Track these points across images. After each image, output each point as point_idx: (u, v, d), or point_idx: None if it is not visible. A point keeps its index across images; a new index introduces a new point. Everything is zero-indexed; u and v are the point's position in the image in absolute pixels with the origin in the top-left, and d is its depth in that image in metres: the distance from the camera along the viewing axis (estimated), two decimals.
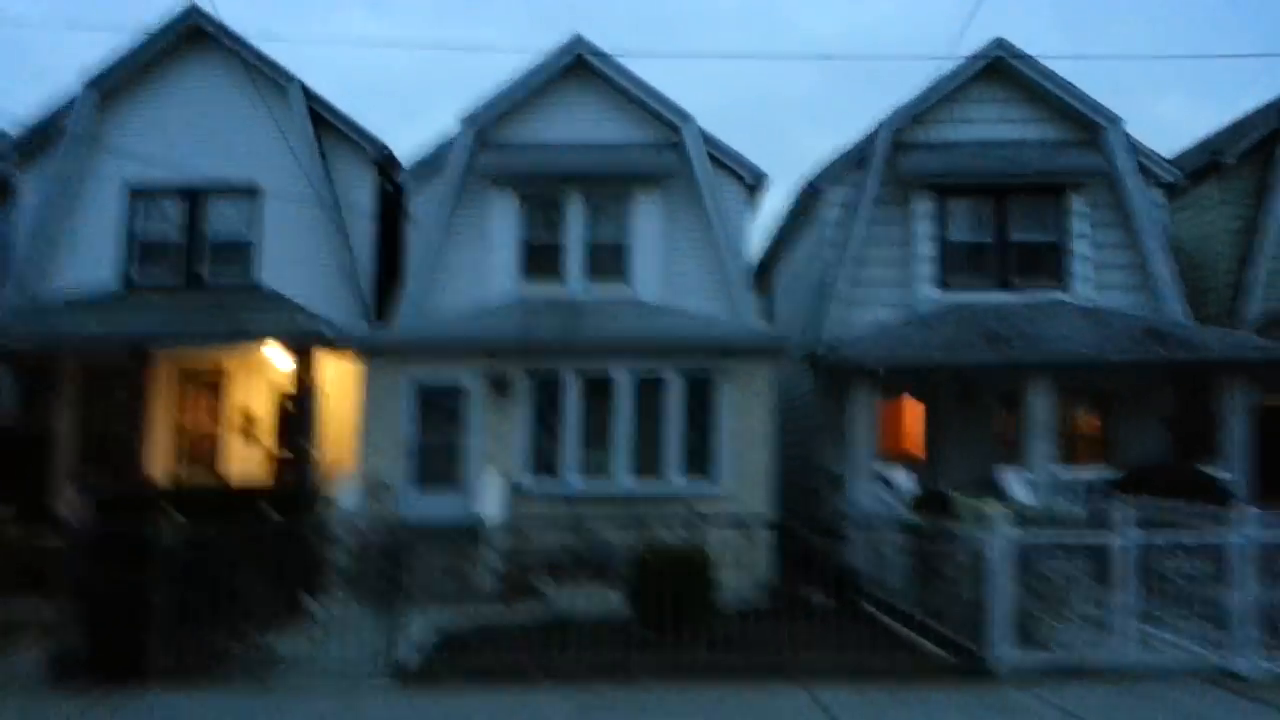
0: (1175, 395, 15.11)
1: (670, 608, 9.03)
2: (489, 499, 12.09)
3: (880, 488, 13.40)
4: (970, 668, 8.42)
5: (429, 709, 7.49)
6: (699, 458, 13.48)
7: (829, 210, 15.93)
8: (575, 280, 15.51)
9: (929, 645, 9.31)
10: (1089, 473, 13.79)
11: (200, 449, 15.99)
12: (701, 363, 13.55)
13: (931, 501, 11.08)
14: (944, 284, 15.53)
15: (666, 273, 15.61)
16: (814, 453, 16.25)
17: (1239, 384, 13.42)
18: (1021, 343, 13.67)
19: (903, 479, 13.35)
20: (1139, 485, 10.48)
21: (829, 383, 14.94)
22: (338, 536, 11.63)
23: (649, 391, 13.50)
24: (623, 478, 13.25)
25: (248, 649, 8.84)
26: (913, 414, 16.26)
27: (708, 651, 8.62)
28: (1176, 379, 14.68)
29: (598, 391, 13.49)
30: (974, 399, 15.47)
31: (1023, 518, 8.59)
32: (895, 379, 14.82)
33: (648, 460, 13.39)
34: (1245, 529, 8.42)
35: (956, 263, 15.67)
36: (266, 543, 9.07)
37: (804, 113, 70.31)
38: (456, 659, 8.67)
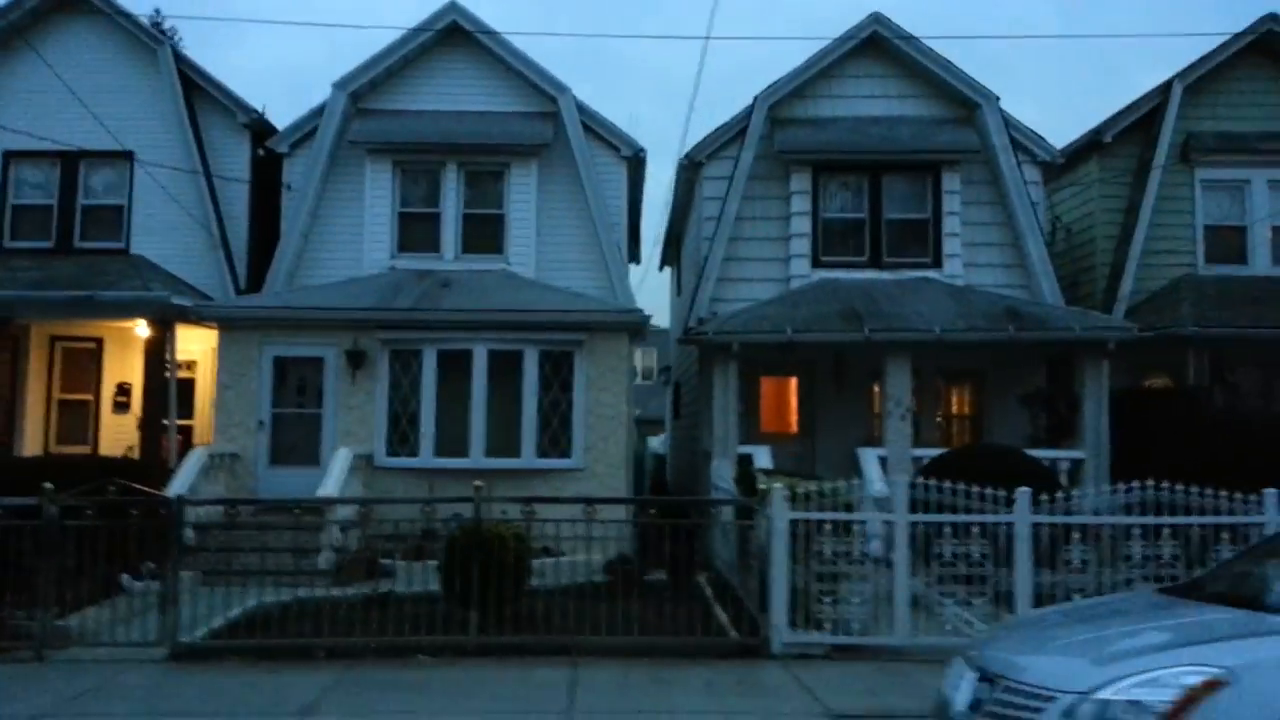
0: (1047, 376, 15.28)
1: (480, 587, 9.09)
2: (332, 475, 12.08)
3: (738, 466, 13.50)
4: (750, 647, 8.56)
5: (182, 682, 7.57)
6: (557, 434, 13.53)
7: (708, 185, 15.91)
8: (450, 252, 15.43)
9: (730, 624, 9.45)
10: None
11: (72, 420, 15.88)
12: (560, 338, 13.56)
13: (743, 480, 11.20)
14: (818, 261, 15.58)
15: (542, 246, 15.55)
16: (699, 431, 16.39)
17: (1096, 364, 13.59)
18: (878, 321, 13.76)
19: (764, 457, 13.44)
20: (952, 467, 10.58)
21: (707, 361, 15.01)
22: (176, 512, 11.59)
23: (508, 366, 13.51)
24: (479, 453, 13.28)
25: (42, 626, 8.83)
26: (791, 392, 16.41)
27: (504, 631, 8.68)
28: (1047, 360, 14.85)
29: (457, 366, 13.47)
30: (848, 377, 15.59)
31: (807, 497, 8.69)
32: (770, 357, 14.92)
33: (506, 436, 13.43)
34: (1020, 511, 8.58)
35: (831, 240, 15.71)
36: (89, 517, 9.00)
37: None
38: (244, 637, 8.70)
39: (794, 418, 16.17)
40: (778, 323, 13.76)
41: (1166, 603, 4.67)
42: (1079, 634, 4.31)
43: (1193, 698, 3.44)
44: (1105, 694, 3.58)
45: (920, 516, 8.65)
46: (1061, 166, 17.27)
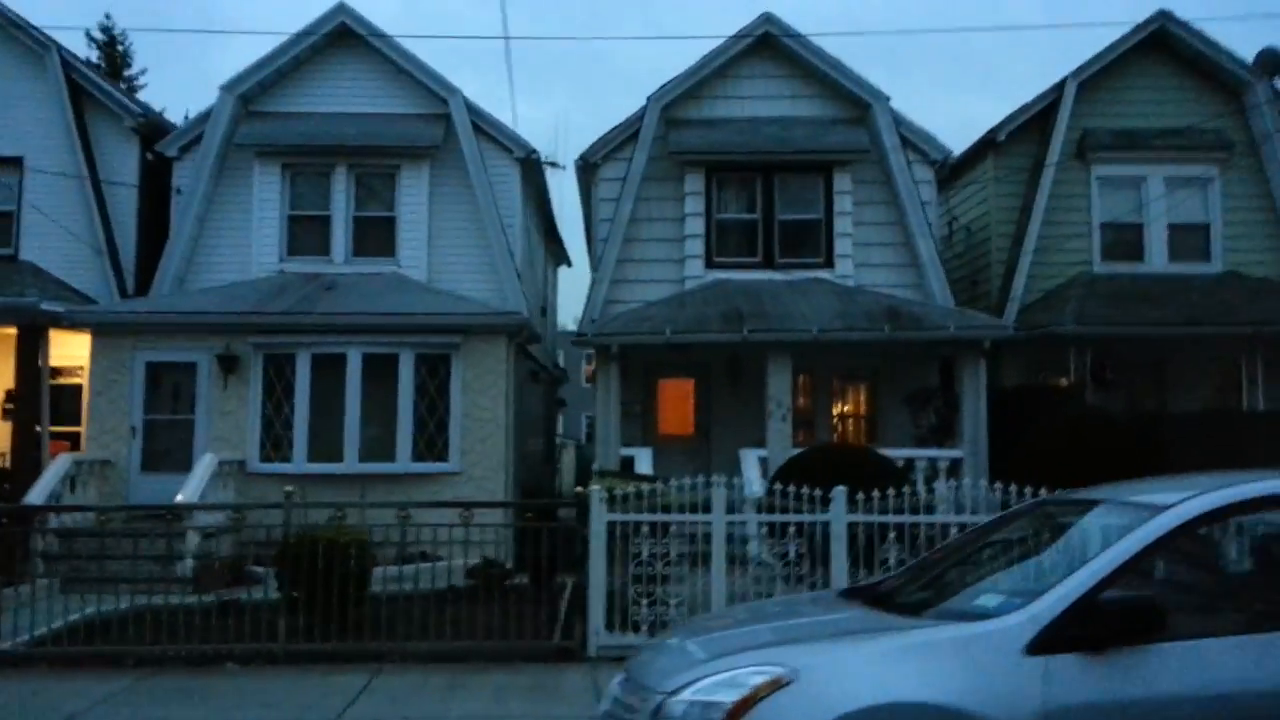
0: (940, 376, 15.27)
1: (310, 592, 8.97)
2: (192, 482, 11.94)
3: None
4: (568, 650, 8.49)
5: None
6: (434, 438, 13.43)
7: (603, 187, 15.85)
8: (340, 255, 15.32)
9: (562, 627, 9.37)
10: None
11: None
12: (436, 341, 13.47)
13: (581, 480, 11.13)
14: (712, 262, 15.53)
15: (435, 249, 15.45)
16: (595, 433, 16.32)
17: (974, 364, 13.59)
18: (760, 321, 13.72)
19: (646, 459, 13.38)
20: (801, 469, 10.54)
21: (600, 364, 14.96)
22: (39, 519, 11.45)
23: (384, 370, 13.40)
24: (353, 458, 13.17)
25: None
26: (689, 394, 16.35)
27: (346, 637, 8.57)
28: (940, 360, 14.83)
29: (332, 370, 13.36)
30: (742, 378, 15.53)
31: (625, 499, 8.62)
32: (666, 359, 14.90)
33: (382, 440, 13.32)
34: (836, 510, 8.53)
35: (725, 240, 15.68)
36: None
37: None
38: (61, 646, 8.57)
39: (691, 419, 16.10)
40: (658, 324, 13.70)
41: (828, 602, 4.61)
42: (718, 633, 4.25)
43: (755, 697, 3.38)
44: (686, 694, 3.52)
45: (735, 516, 8.59)
46: (961, 166, 17.35)
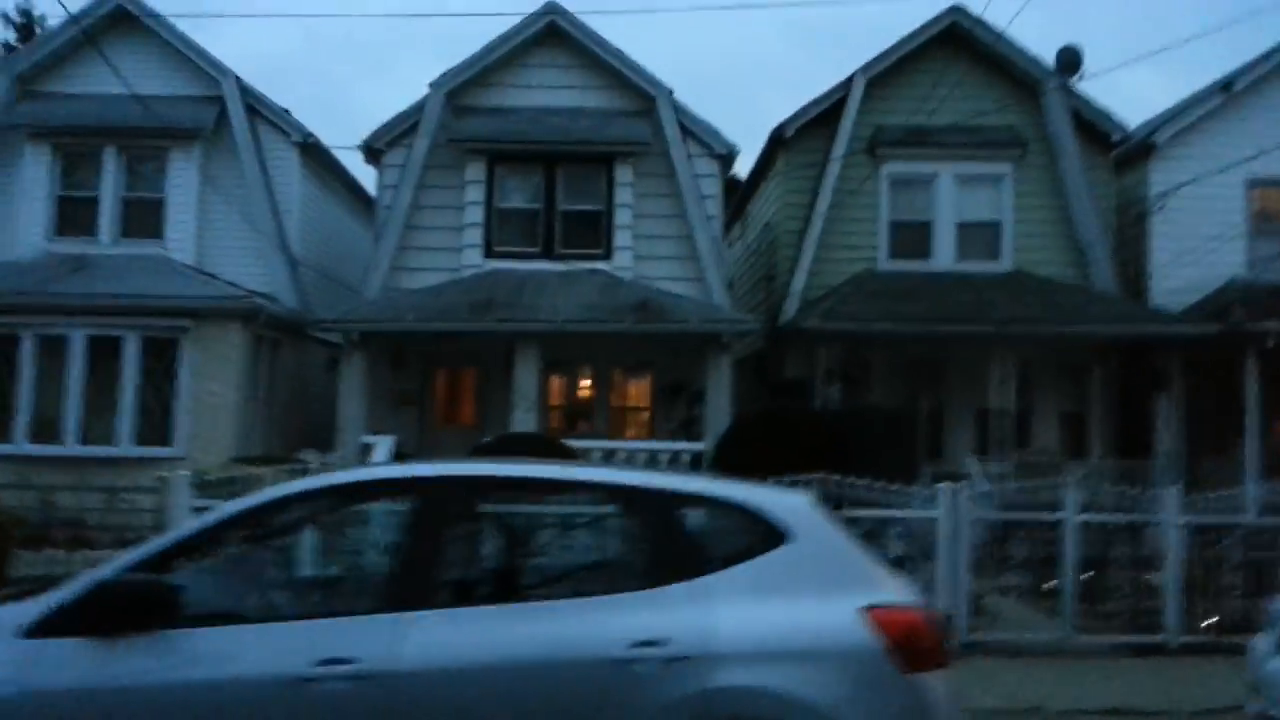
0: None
1: None
2: None
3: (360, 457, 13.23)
4: None
5: None
6: (159, 422, 13.22)
7: (387, 174, 15.65)
8: (107, 236, 15.08)
9: None
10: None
11: None
12: (165, 324, 13.26)
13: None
14: (491, 251, 15.36)
15: (205, 233, 15.24)
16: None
17: (718, 358, 13.47)
18: (509, 311, 13.55)
19: (385, 447, 13.17)
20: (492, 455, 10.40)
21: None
22: None
23: (111, 353, 13.18)
24: (74, 441, 12.93)
25: None
26: (468, 383, 16.19)
27: None
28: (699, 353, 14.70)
29: (57, 352, 13.13)
30: (512, 369, 15.36)
31: (216, 484, 8.43)
32: (443, 349, 14.74)
33: (105, 424, 13.09)
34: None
35: (507, 230, 15.51)
36: None
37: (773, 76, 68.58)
38: None
39: (472, 409, 15.93)
40: (402, 312, 13.52)
41: None
42: None
43: None
44: None
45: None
46: (762, 161, 17.26)
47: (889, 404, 13.85)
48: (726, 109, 64.82)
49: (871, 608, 3.49)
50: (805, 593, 3.53)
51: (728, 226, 21.54)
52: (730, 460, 10.66)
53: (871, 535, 8.41)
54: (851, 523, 8.35)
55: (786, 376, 15.24)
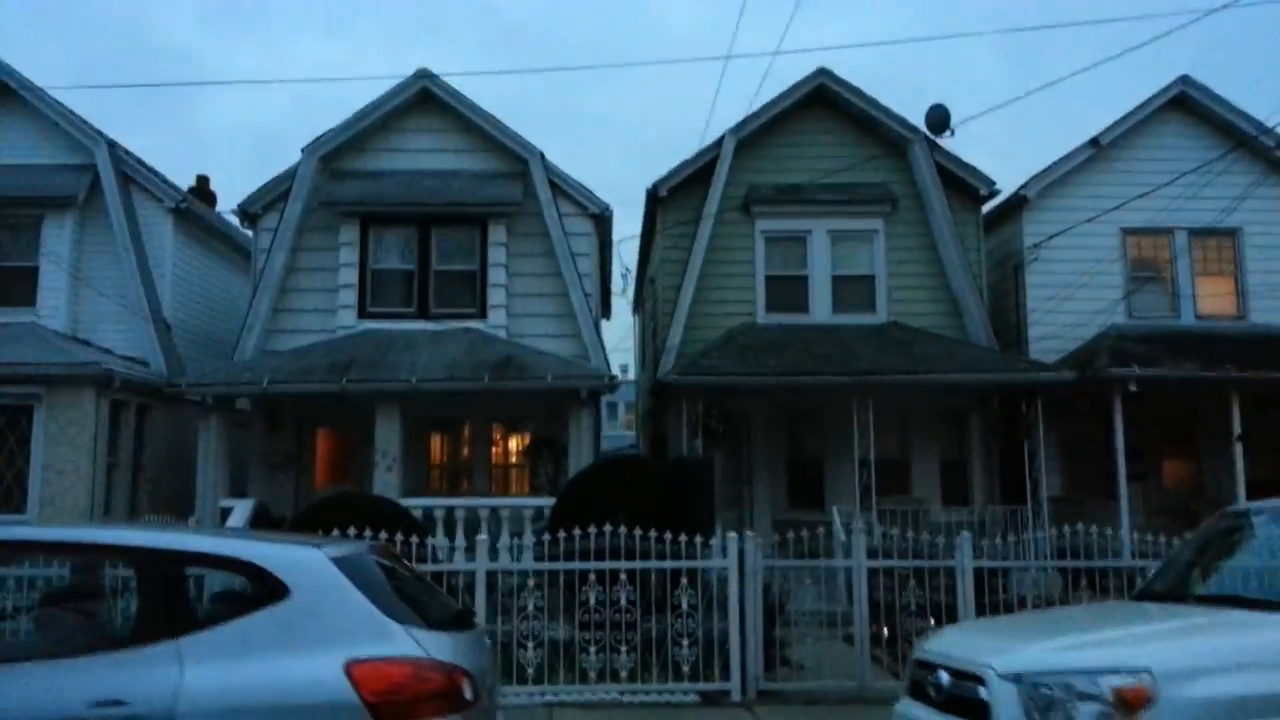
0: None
1: None
2: None
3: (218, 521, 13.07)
4: None
5: None
6: (11, 488, 13.05)
7: (262, 237, 15.75)
8: None
9: None
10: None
11: None
12: (15, 391, 13.17)
13: None
14: (366, 312, 15.41)
15: (78, 298, 15.25)
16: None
17: (578, 414, 13.47)
18: (366, 371, 13.55)
19: (242, 511, 13.02)
20: (312, 515, 10.30)
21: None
22: None
23: None
24: None
25: None
26: (346, 444, 16.09)
27: None
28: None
29: None
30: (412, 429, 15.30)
31: None
32: (319, 410, 14.67)
33: None
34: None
35: (381, 291, 15.58)
36: None
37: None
38: None
39: (346, 470, 15.79)
40: (259, 375, 13.47)
41: None
42: None
43: None
44: None
45: None
46: (648, 220, 17.50)
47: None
48: None
49: (356, 662, 3.47)
50: (297, 648, 3.54)
51: (640, 284, 21.77)
52: (567, 515, 10.57)
53: (662, 586, 8.37)
54: (642, 574, 8.33)
55: (665, 431, 15.28)
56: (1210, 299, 16.87)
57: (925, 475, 15.87)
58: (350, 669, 3.45)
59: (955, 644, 4.54)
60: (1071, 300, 16.34)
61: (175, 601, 3.72)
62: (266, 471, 15.04)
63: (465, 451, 15.98)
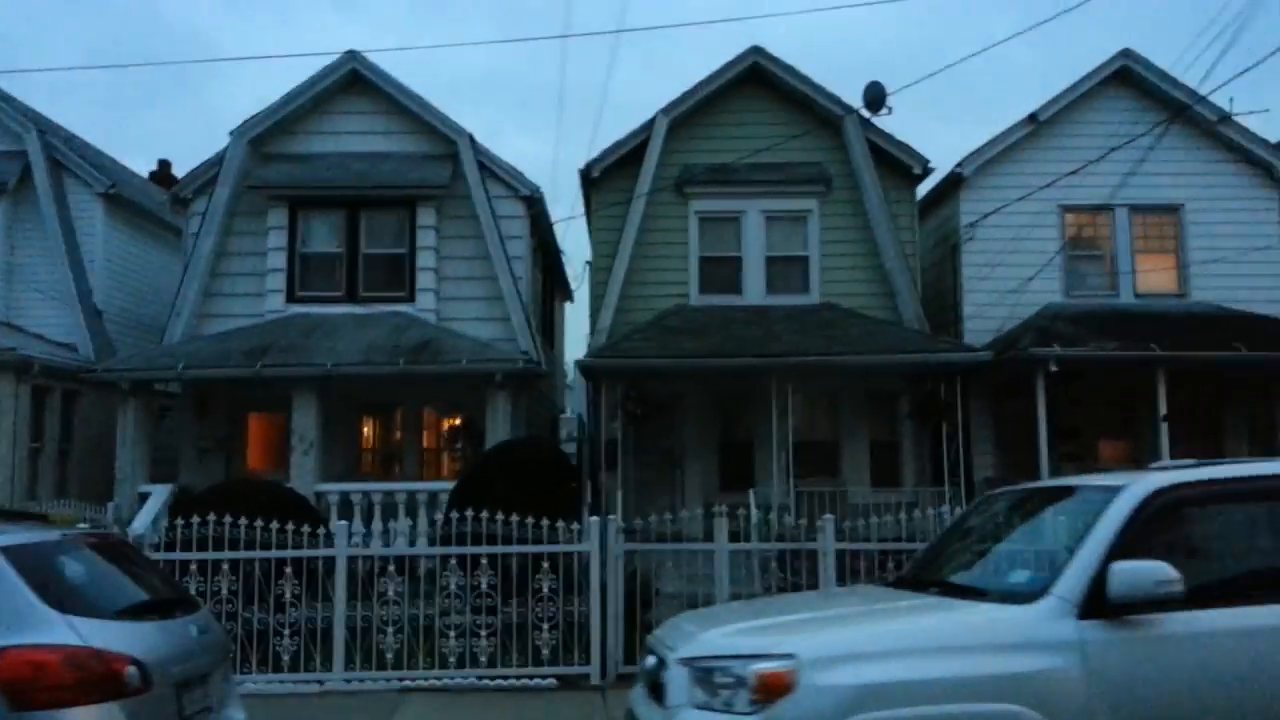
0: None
1: None
2: None
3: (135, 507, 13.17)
4: None
5: None
6: None
7: (192, 222, 15.76)
8: None
9: None
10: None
11: None
12: None
13: None
14: (294, 296, 15.44)
15: (8, 283, 15.37)
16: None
17: (494, 397, 13.50)
18: (284, 356, 13.60)
19: (159, 498, 13.10)
20: (211, 501, 10.35)
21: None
22: None
23: None
24: None
25: None
26: (279, 429, 16.15)
27: None
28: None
29: None
30: (341, 413, 15.37)
31: None
32: (252, 394, 14.73)
33: None
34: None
35: (310, 275, 15.59)
36: None
37: None
38: None
39: (275, 455, 15.87)
40: (176, 360, 13.54)
41: None
42: None
43: None
44: None
45: None
46: (585, 201, 17.41)
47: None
48: None
49: (2, 649, 3.54)
50: None
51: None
52: (463, 499, 10.62)
53: (524, 570, 8.41)
54: (504, 558, 8.37)
55: (598, 415, 15.27)
56: (1150, 276, 16.70)
57: (855, 457, 15.86)
58: None
59: (670, 630, 4.57)
60: (1007, 280, 16.21)
61: None
62: (197, 456, 15.13)
63: (397, 436, 16.05)
